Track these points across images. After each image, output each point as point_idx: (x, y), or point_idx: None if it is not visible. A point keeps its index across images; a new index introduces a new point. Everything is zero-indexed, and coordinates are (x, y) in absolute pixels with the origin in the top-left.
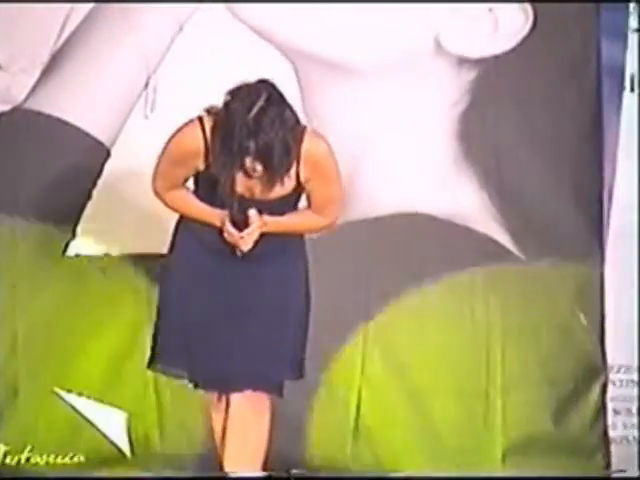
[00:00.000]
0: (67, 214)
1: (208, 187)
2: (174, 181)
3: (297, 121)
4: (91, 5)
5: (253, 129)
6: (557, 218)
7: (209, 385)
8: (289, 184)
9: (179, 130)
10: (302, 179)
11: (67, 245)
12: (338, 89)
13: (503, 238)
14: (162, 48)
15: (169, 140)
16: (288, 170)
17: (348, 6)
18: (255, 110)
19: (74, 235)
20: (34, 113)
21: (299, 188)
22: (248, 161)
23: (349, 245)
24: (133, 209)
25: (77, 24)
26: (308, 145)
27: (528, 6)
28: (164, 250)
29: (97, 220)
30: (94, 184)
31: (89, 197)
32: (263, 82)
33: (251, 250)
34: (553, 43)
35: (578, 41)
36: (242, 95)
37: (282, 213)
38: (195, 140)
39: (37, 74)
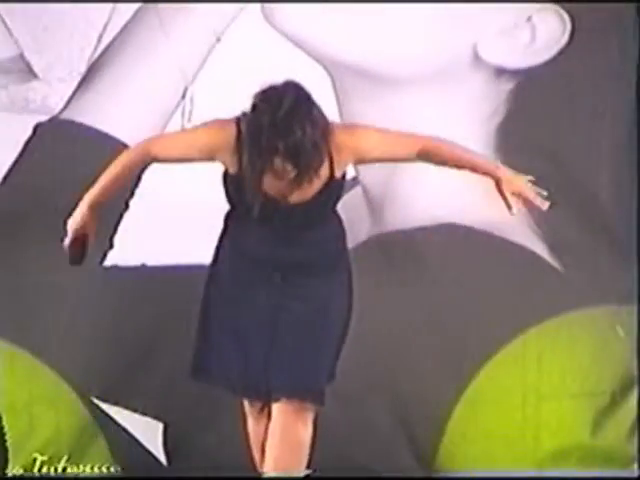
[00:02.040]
0: (104, 224)
1: (237, 189)
2: (179, 158)
3: (325, 120)
4: (128, 16)
5: (282, 129)
6: (594, 230)
7: (249, 394)
8: (317, 184)
9: (216, 121)
10: (340, 170)
11: (104, 255)
12: (374, 98)
13: (540, 249)
14: (199, 58)
15: (202, 124)
16: (317, 170)
17: (385, 16)
18: (283, 110)
19: (111, 245)
20: (71, 123)
21: (331, 182)
22: (277, 161)
23: (384, 257)
24: (170, 219)
25: (114, 34)
26: (341, 138)
27: (566, 16)
28: (201, 260)
29: (134, 230)
30: (131, 194)
31: (126, 207)
32: (290, 83)
33: (292, 268)
34: (590, 54)
35: (616, 52)
36: (269, 96)
37: (320, 213)
38: (228, 135)
39: (74, 84)
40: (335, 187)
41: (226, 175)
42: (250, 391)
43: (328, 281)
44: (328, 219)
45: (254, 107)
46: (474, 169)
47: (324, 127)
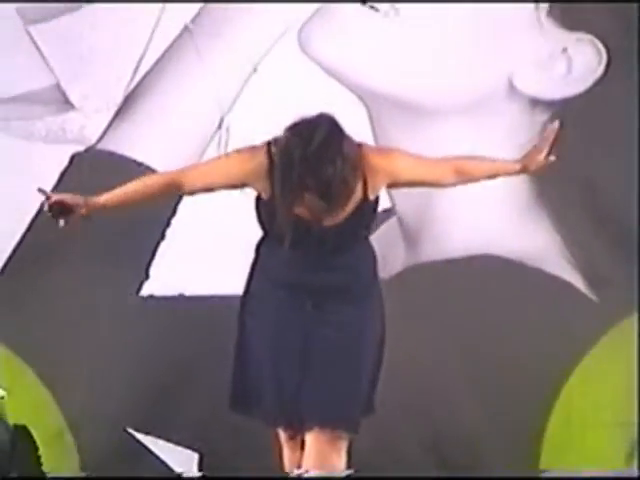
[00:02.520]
0: (141, 254)
1: (269, 214)
2: (211, 186)
3: (356, 152)
4: (165, 46)
5: (313, 164)
6: (630, 259)
7: (280, 424)
8: (350, 207)
9: (246, 148)
10: (374, 193)
11: (141, 285)
12: (410, 129)
13: (575, 279)
14: (235, 88)
15: (232, 152)
16: (348, 200)
17: (420, 46)
18: (315, 144)
19: (147, 275)
20: (108, 153)
21: (364, 204)
22: (308, 197)
23: (417, 287)
24: (207, 249)
25: (151, 65)
26: (375, 160)
27: (602, 47)
28: (238, 290)
29: (170, 260)
30: (167, 224)
31: (162, 237)
32: (323, 115)
33: (325, 294)
34: (625, 85)
35: None
36: (301, 129)
37: (353, 235)
38: (260, 162)
39: (111, 114)
40: (368, 209)
41: (259, 200)
42: (282, 421)
43: (360, 307)
44: (360, 243)
45: (286, 140)
46: (499, 175)
47: (355, 160)
